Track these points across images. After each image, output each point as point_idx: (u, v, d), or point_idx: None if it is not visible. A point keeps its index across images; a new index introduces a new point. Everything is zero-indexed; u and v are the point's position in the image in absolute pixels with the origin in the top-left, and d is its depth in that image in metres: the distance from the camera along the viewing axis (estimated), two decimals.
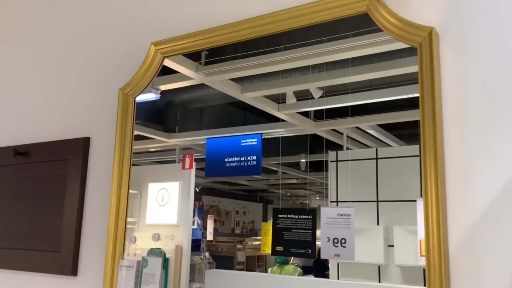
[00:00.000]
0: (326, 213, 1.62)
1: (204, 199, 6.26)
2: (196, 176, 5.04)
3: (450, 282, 1.21)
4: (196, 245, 4.56)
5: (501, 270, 1.10)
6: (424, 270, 2.22)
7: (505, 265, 1.09)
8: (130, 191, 2.80)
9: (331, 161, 2.60)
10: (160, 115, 2.89)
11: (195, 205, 5.87)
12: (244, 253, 6.00)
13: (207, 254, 4.66)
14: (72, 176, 2.19)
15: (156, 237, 2.30)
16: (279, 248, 1.77)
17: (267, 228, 2.20)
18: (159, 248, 1.91)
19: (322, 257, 1.59)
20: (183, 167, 2.79)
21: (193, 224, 5.55)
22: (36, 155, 2.36)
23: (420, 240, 2.23)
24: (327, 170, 2.58)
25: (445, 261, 1.17)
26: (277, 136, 2.71)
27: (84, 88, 2.34)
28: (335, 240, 1.54)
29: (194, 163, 2.79)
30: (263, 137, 2.59)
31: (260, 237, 5.38)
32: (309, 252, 1.68)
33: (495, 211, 1.15)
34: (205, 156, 2.73)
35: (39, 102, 2.49)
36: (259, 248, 5.64)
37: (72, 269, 2.07)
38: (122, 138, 2.02)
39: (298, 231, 1.78)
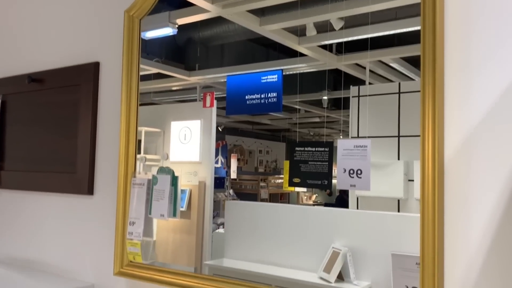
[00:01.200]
0: (343, 144, 1.62)
1: (227, 139, 6.34)
2: (218, 115, 5.08)
3: (444, 189, 1.22)
4: (220, 183, 4.66)
5: (494, 178, 1.10)
6: None
7: (498, 173, 1.09)
8: (154, 129, 2.85)
9: (352, 97, 2.56)
10: (180, 53, 2.87)
11: (218, 145, 5.94)
12: (267, 190, 6.12)
13: (231, 191, 4.77)
14: (84, 100, 2.23)
15: (165, 156, 2.38)
16: (296, 180, 1.80)
17: (289, 166, 2.23)
18: (168, 167, 1.98)
19: (338, 187, 1.61)
20: (204, 105, 2.80)
21: (217, 162, 5.65)
22: (50, 81, 2.42)
23: None
24: (349, 107, 2.55)
25: (439, 167, 1.18)
26: (298, 72, 2.67)
27: (91, 12, 2.33)
28: (351, 171, 1.55)
29: (215, 101, 2.79)
30: (284, 73, 2.56)
31: (282, 175, 5.47)
32: (325, 184, 1.71)
33: (491, 121, 1.13)
34: (225, 95, 2.72)
35: (50, 29, 2.52)
36: (282, 186, 5.74)
37: (88, 189, 2.17)
38: (129, 61, 2.03)
39: (315, 163, 1.80)
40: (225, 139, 6.22)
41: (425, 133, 1.28)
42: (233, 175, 5.43)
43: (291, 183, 1.83)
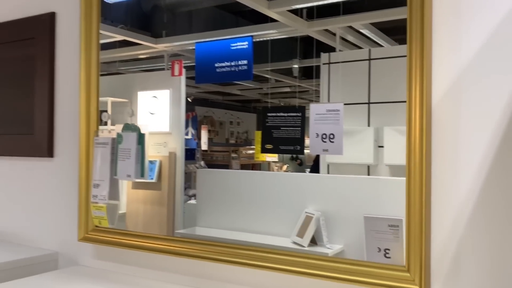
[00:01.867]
0: (315, 109, 1.60)
1: (197, 110, 6.24)
2: (188, 86, 4.98)
3: (432, 136, 1.21)
4: (191, 155, 4.61)
5: (483, 120, 1.08)
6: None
7: (486, 115, 1.07)
8: (120, 99, 2.76)
9: (323, 64, 2.54)
10: (146, 20, 2.77)
11: (188, 116, 5.86)
12: (238, 161, 6.12)
13: (202, 163, 4.73)
14: (40, 55, 1.99)
15: (130, 112, 2.30)
16: (269, 146, 1.78)
17: (260, 136, 2.21)
18: (134, 124, 1.89)
19: (310, 152, 1.60)
20: (172, 74, 2.72)
21: (187, 134, 5.58)
22: (1, 35, 2.20)
23: None
24: (319, 77, 2.53)
25: (427, 113, 1.16)
26: (268, 38, 2.63)
27: None
28: (324, 136, 1.54)
29: (183, 70, 2.73)
30: (254, 40, 2.50)
31: (254, 146, 5.44)
32: (298, 149, 1.70)
33: (478, 64, 1.11)
34: (194, 63, 2.66)
35: None
36: (253, 157, 5.73)
37: (48, 151, 2.03)
38: (88, 9, 1.85)
39: (287, 128, 1.78)
40: (195, 110, 6.13)
41: (412, 78, 1.24)
42: (204, 146, 5.38)
43: (264, 150, 1.81)
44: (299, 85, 4.25)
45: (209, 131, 5.91)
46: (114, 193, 1.79)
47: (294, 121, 1.74)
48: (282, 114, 1.77)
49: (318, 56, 2.68)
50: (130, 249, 1.69)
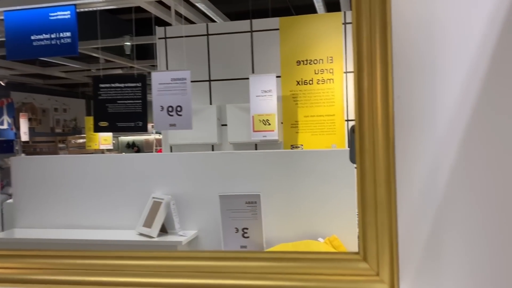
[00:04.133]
0: (158, 78, 1.41)
1: (13, 96, 5.42)
2: None
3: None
4: (8, 147, 3.98)
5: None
6: (256, 144, 2.25)
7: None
8: None
9: (159, 38, 2.36)
10: None
11: (2, 102, 5.03)
12: (67, 151, 5.51)
13: (23, 155, 4.13)
14: None
15: None
16: (103, 124, 1.53)
17: (92, 123, 1.93)
18: None
19: (156, 129, 1.42)
20: None
21: (2, 123, 4.79)
22: None
23: (253, 116, 2.23)
24: (155, 57, 2.34)
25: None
26: (95, 9, 2.32)
27: None
28: (170, 109, 1.37)
29: None
30: (77, 10, 2.19)
31: (84, 135, 4.93)
32: (140, 125, 1.49)
33: None
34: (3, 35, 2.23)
35: None
36: (84, 146, 5.20)
37: None
38: None
39: (125, 101, 1.55)
40: (11, 96, 5.31)
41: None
42: (25, 137, 4.74)
43: (97, 128, 1.55)
44: (132, 66, 3.92)
45: (29, 119, 5.23)
46: None
47: (133, 93, 1.52)
48: (118, 84, 1.53)
49: (152, 31, 2.48)
50: None
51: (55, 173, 1.36)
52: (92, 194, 1.34)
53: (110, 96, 1.53)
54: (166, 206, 1.21)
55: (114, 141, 5.55)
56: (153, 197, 1.25)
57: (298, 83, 2.16)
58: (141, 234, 1.24)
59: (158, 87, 1.37)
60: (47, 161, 1.33)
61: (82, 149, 5.10)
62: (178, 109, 1.33)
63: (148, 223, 1.21)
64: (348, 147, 1.90)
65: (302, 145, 2.19)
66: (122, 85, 1.53)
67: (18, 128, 4.83)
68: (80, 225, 1.35)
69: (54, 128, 5.81)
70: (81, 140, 5.22)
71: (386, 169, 0.40)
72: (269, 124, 2.15)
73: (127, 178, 1.32)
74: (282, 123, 2.18)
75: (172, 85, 1.39)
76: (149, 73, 3.47)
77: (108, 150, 4.42)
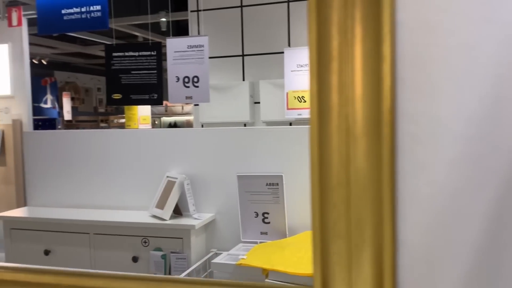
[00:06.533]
0: (173, 45, 1.28)
1: (57, 75, 5.49)
2: (40, 45, 4.27)
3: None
4: (50, 125, 4.03)
5: None
6: (290, 123, 2.11)
7: None
8: None
9: (191, 11, 2.25)
10: None
11: (46, 82, 5.09)
12: None
13: None
14: None
15: None
16: (116, 96, 1.43)
17: None
18: None
19: (170, 101, 1.31)
20: (10, 24, 2.24)
21: (46, 102, 4.86)
22: None
23: (287, 93, 2.09)
24: (188, 32, 2.23)
25: None
26: None
27: None
28: (186, 80, 1.25)
29: (24, 19, 2.26)
30: None
31: (124, 114, 4.92)
32: (155, 98, 1.38)
33: None
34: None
35: None
36: (125, 126, 5.23)
37: None
38: None
39: (140, 72, 1.43)
40: (54, 76, 5.38)
41: None
42: (68, 116, 4.79)
43: (110, 101, 1.45)
44: (161, 41, 3.84)
45: (72, 98, 5.30)
46: None
47: (148, 62, 1.39)
48: (132, 53, 1.42)
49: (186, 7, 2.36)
50: None
51: (67, 149, 1.28)
52: (106, 172, 1.26)
53: (123, 66, 1.43)
54: (179, 186, 1.11)
55: (156, 122, 5.56)
56: (167, 176, 1.15)
57: None
58: (154, 216, 1.14)
59: (174, 55, 1.25)
60: (58, 137, 1.26)
61: (123, 128, 5.13)
62: (195, 80, 1.21)
63: (161, 204, 1.12)
64: None
65: None
66: (136, 53, 1.43)
67: (61, 107, 4.90)
68: (92, 204, 1.27)
69: (97, 108, 5.89)
70: (123, 120, 5.26)
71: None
72: (305, 101, 2.00)
73: (142, 154, 1.23)
74: None
75: (189, 53, 1.27)
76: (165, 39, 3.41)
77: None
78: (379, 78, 0.24)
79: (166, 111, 5.48)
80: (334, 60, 0.24)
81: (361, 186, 0.24)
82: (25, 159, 1.32)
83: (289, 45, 2.07)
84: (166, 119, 6.52)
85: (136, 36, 3.63)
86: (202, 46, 1.25)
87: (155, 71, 1.38)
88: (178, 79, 1.24)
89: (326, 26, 0.25)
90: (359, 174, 0.24)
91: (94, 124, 5.38)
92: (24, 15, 2.28)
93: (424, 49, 0.25)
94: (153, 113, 4.91)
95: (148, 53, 1.41)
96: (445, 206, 0.25)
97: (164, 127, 7.17)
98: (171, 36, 1.52)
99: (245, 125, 2.18)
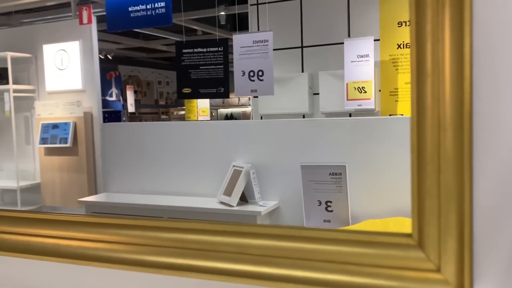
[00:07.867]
0: (240, 41, 1.35)
1: (121, 69, 5.73)
2: (106, 41, 4.47)
3: None
4: (116, 117, 4.23)
5: None
6: (350, 114, 2.12)
7: None
8: (22, 54, 2.39)
9: (251, 5, 2.29)
10: None
11: (111, 75, 5.34)
12: None
13: None
14: None
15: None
16: (186, 90, 1.51)
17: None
18: None
19: (236, 94, 1.37)
20: (81, 22, 2.39)
21: (111, 95, 5.11)
22: None
23: (347, 84, 2.09)
24: (248, 27, 2.27)
25: None
26: None
27: None
28: (251, 74, 1.31)
29: (94, 17, 2.40)
30: None
31: (185, 107, 5.07)
32: (222, 91, 1.45)
33: None
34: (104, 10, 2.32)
35: None
36: (185, 118, 5.39)
37: None
38: None
39: (208, 67, 1.52)
40: (118, 70, 5.62)
41: None
42: (131, 108, 5.01)
43: (181, 95, 1.54)
44: (227, 37, 3.91)
45: (135, 92, 5.52)
46: None
47: (215, 58, 1.47)
48: (200, 49, 1.49)
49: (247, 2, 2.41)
50: None
51: (141, 140, 1.37)
52: (177, 161, 1.34)
53: (192, 62, 1.50)
54: (245, 174, 1.16)
55: (213, 113, 5.67)
56: (234, 165, 1.21)
57: (399, 46, 1.98)
58: (222, 203, 1.21)
59: (240, 50, 1.31)
60: (132, 127, 1.35)
61: (183, 120, 5.30)
62: (260, 73, 1.26)
63: (228, 191, 1.18)
64: None
65: (402, 114, 2.01)
66: (204, 49, 1.49)
67: (125, 100, 5.11)
68: (165, 191, 1.35)
69: (158, 100, 6.09)
70: (182, 112, 5.42)
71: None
72: (365, 92, 2.00)
73: (209, 145, 1.29)
74: (379, 91, 2.02)
75: (254, 48, 1.32)
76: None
77: (206, 121, 4.53)
78: (462, 88, 0.31)
79: (223, 103, 5.59)
80: (429, 76, 0.32)
81: (447, 162, 0.32)
82: (102, 149, 1.43)
83: (348, 36, 2.07)
84: (223, 111, 6.65)
85: (195, 30, 3.73)
86: (267, 41, 1.30)
87: (221, 66, 1.44)
88: (244, 73, 1.30)
89: (422, 51, 0.32)
90: (446, 154, 0.32)
91: (156, 116, 5.58)
92: (93, 13, 2.42)
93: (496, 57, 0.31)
94: (211, 105, 5.04)
95: (216, 49, 1.48)
96: (508, 178, 0.33)
97: (220, 118, 7.32)
98: (236, 32, 1.58)
99: (304, 116, 2.21)
